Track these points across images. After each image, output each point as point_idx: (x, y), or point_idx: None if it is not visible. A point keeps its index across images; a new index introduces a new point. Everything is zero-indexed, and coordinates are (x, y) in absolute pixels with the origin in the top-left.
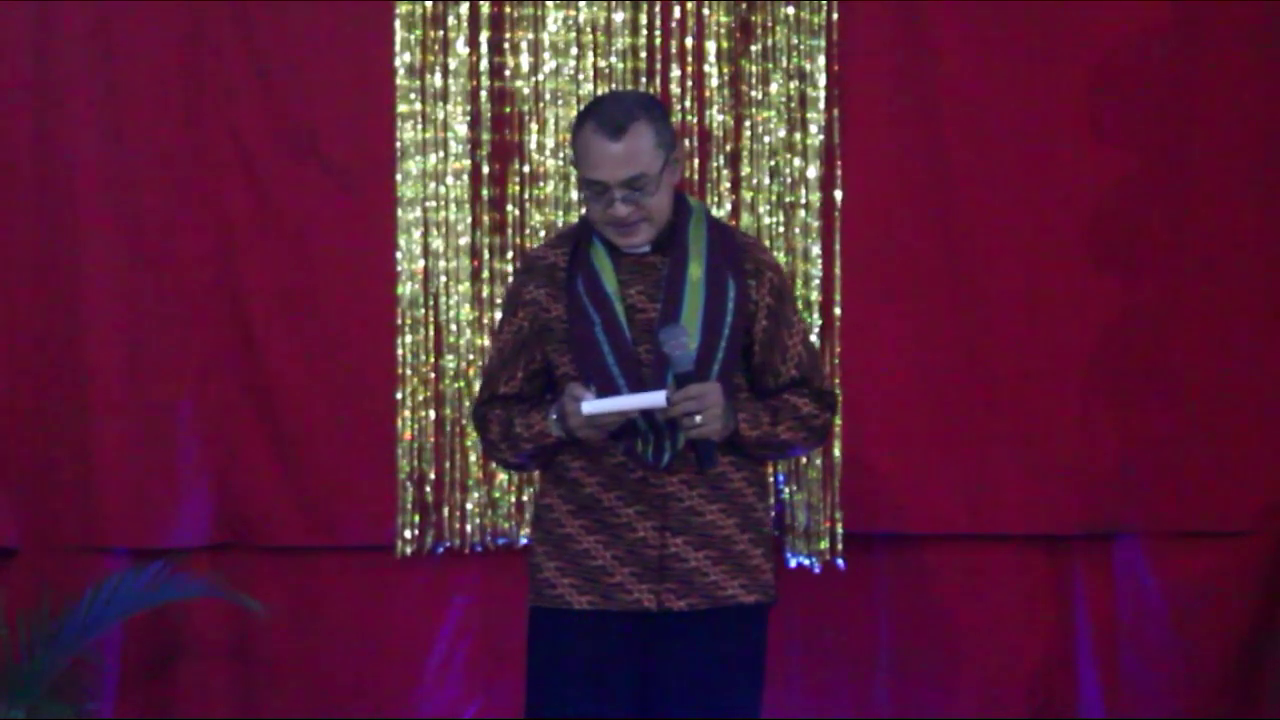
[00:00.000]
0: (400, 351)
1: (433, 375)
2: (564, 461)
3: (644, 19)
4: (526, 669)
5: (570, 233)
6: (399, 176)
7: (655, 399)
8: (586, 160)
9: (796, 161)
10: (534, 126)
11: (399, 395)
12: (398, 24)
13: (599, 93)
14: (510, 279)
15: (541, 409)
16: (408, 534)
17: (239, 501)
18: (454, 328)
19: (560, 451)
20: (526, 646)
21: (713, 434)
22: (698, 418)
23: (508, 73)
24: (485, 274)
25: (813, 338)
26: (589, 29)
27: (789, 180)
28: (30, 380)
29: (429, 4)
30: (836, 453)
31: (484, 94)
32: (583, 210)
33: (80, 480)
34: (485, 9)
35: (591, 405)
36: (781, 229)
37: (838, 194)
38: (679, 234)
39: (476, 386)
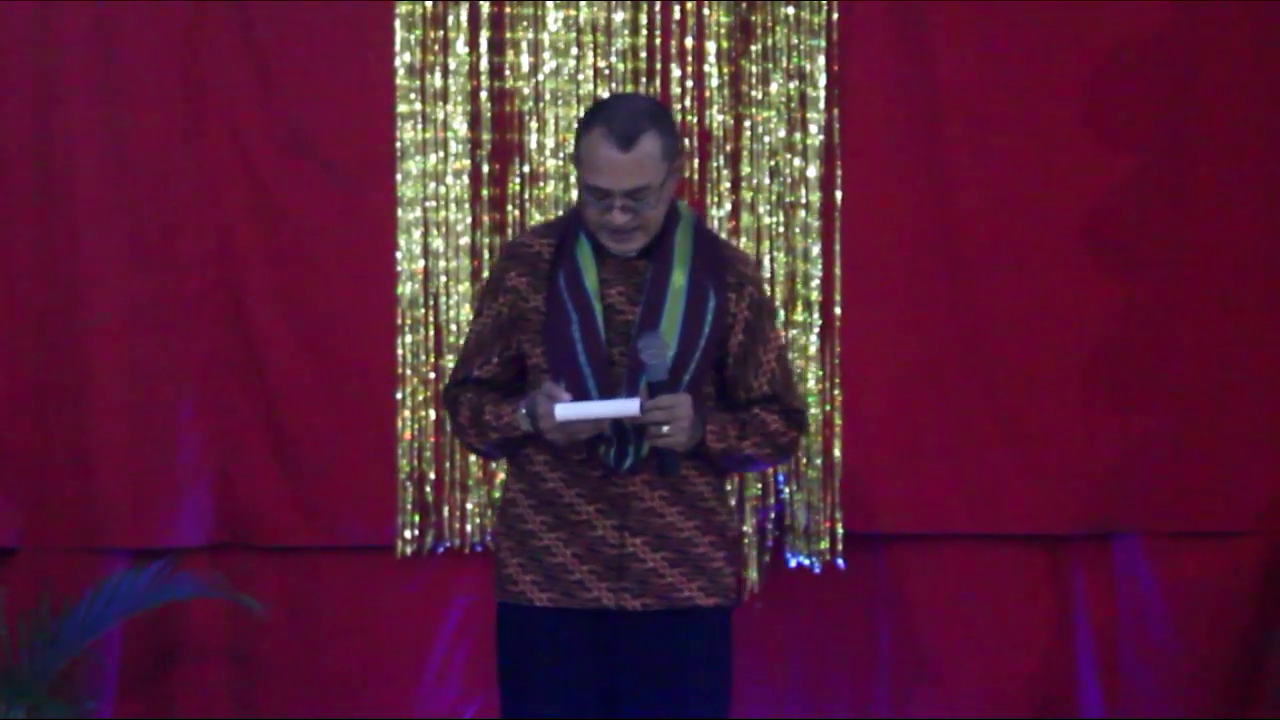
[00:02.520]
0: (400, 351)
1: (433, 375)
2: (529, 454)
3: (644, 19)
4: (496, 665)
5: (559, 223)
6: (399, 176)
7: (629, 407)
8: (591, 166)
9: (796, 161)
10: (534, 126)
11: (399, 395)
12: (398, 24)
13: (599, 93)
14: (494, 263)
15: (513, 400)
16: (408, 534)
17: (239, 501)
18: (454, 328)
19: (526, 444)
20: (496, 642)
21: (678, 445)
22: (665, 428)
23: (508, 73)
24: (485, 274)
25: (812, 336)
26: (589, 29)
27: (789, 180)
28: (30, 380)
29: (429, 4)
30: (836, 453)
31: (484, 94)
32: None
33: (80, 480)
34: (485, 9)
35: (565, 411)
36: (781, 229)
37: (838, 194)
38: (665, 240)
39: None
